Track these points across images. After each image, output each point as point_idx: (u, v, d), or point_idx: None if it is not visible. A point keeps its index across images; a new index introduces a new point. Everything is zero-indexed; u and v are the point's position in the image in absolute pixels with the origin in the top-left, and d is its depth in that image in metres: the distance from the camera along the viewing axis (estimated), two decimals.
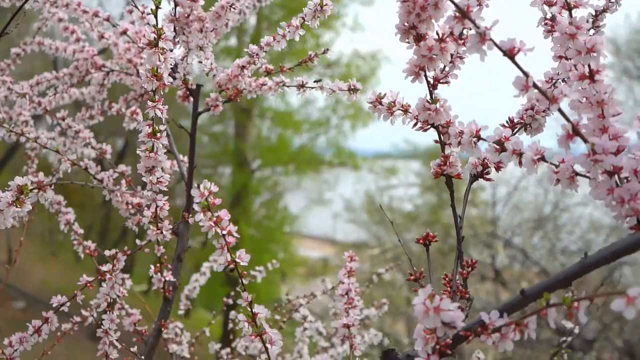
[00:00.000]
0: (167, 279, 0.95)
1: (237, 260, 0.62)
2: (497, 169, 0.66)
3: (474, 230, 6.84)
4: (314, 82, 0.90)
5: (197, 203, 0.60)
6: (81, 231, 1.09)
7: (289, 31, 0.87)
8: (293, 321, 1.45)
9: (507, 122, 0.68)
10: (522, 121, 0.67)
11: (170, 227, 0.89)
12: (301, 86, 0.93)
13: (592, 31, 0.72)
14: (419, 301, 0.49)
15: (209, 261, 1.43)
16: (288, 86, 0.95)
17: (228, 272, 0.63)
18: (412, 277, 0.60)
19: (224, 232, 0.61)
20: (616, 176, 0.52)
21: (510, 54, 0.49)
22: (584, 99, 0.53)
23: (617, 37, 8.44)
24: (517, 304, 0.51)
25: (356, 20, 10.50)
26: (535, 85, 0.50)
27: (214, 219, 0.61)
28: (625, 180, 0.51)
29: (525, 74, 0.50)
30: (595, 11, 0.72)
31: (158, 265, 0.95)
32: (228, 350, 1.32)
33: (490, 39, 0.49)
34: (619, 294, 0.40)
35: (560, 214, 6.99)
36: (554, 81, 0.68)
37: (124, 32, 1.03)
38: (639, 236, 0.48)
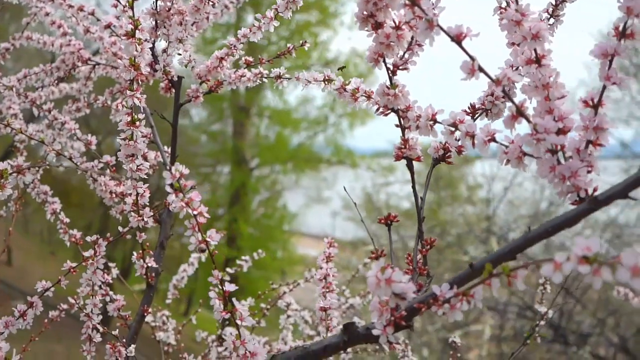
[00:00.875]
0: (149, 265, 0.98)
1: (208, 239, 0.65)
2: (459, 152, 0.69)
3: (470, 227, 6.88)
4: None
5: (169, 185, 0.63)
6: (67, 220, 1.11)
7: (263, 22, 0.90)
8: (281, 311, 1.47)
9: (468, 107, 0.70)
10: (482, 107, 0.70)
11: (152, 214, 0.92)
12: (278, 77, 0.96)
13: (552, 20, 0.75)
14: (372, 274, 0.52)
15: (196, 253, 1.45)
16: (267, 77, 0.98)
17: (199, 251, 0.66)
18: (373, 256, 0.62)
19: (195, 212, 0.64)
20: (561, 154, 0.55)
21: (457, 39, 0.52)
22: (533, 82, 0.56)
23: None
24: (466, 277, 0.54)
25: (354, 18, 10.49)
26: (480, 69, 0.52)
27: (186, 200, 0.64)
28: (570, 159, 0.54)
29: (472, 58, 0.52)
30: (556, 0, 0.75)
31: (140, 252, 0.98)
32: (214, 337, 1.35)
33: (438, 25, 0.52)
34: (549, 261, 0.43)
35: (556, 209, 7.02)
36: (514, 68, 0.71)
37: (108, 26, 1.06)
38: (578, 210, 0.51)
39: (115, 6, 1.09)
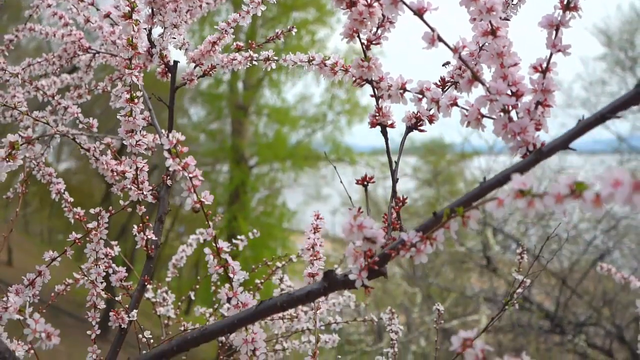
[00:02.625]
0: (149, 237, 1.05)
1: (203, 199, 0.72)
2: (430, 121, 0.75)
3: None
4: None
5: (166, 150, 0.70)
6: (71, 199, 1.18)
7: (251, 7, 0.97)
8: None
9: (439, 80, 0.77)
10: (452, 79, 0.77)
11: (150, 187, 0.99)
12: (267, 59, 1.02)
13: (515, 0, 0.81)
14: (346, 221, 0.59)
15: (196, 234, 1.53)
16: (257, 60, 1.05)
17: (194, 211, 0.73)
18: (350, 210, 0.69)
19: (191, 175, 0.71)
20: (515, 114, 0.62)
21: (419, 12, 0.59)
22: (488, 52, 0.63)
23: (609, 29, 8.54)
24: (430, 224, 0.61)
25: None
26: (439, 38, 0.59)
27: (182, 164, 0.70)
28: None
29: (432, 29, 0.59)
30: None
31: (141, 225, 1.04)
32: (211, 310, 1.42)
33: (402, 1, 0.59)
34: (492, 200, 0.50)
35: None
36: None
37: (107, 15, 1.12)
38: (526, 161, 0.58)
39: None
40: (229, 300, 0.72)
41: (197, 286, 1.51)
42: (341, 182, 1.03)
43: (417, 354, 5.70)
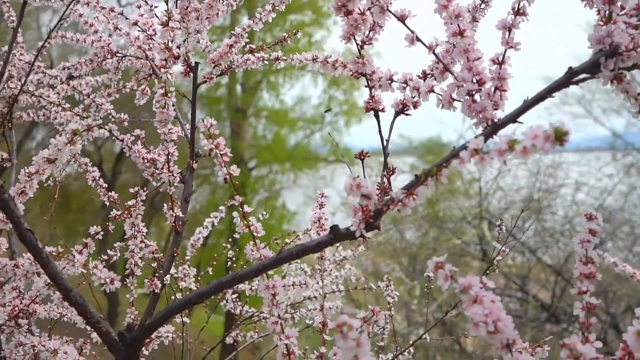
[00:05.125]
0: (177, 215, 1.22)
1: (231, 172, 0.88)
2: (414, 106, 0.92)
3: (464, 215, 7.14)
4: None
5: (202, 132, 0.86)
6: (105, 185, 1.35)
7: (264, 15, 1.14)
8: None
9: (421, 73, 0.94)
10: (431, 72, 0.93)
11: (179, 171, 1.16)
12: (277, 59, 1.20)
13: (483, 5, 0.98)
14: (347, 181, 0.76)
15: (211, 216, 1.70)
16: (268, 60, 1.22)
17: (225, 183, 0.89)
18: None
19: (222, 152, 0.88)
20: (479, 97, 0.78)
21: (402, 19, 0.76)
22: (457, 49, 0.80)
23: None
24: (413, 184, 0.78)
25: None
26: (418, 39, 0.76)
27: (215, 143, 0.87)
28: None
29: (412, 32, 0.76)
30: None
31: (170, 204, 1.21)
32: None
33: (388, 10, 0.76)
34: (456, 158, 0.66)
35: (547, 196, 7.28)
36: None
37: (135, 23, 1.29)
38: (485, 132, 0.75)
39: (139, 7, 1.32)
40: (252, 254, 0.89)
41: (215, 262, 1.68)
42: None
43: (416, 345, 5.86)
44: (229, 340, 1.66)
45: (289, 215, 12.19)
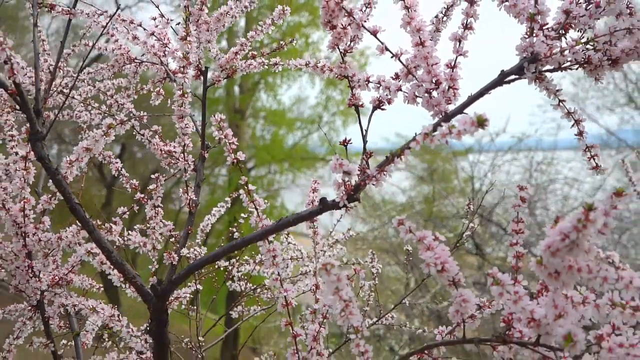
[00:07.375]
0: (191, 197, 1.42)
1: (238, 157, 1.09)
2: (389, 102, 1.13)
3: (457, 211, 7.36)
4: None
5: (213, 125, 1.07)
6: (127, 175, 1.55)
7: (265, 27, 1.35)
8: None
9: (394, 74, 1.14)
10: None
11: (194, 159, 1.36)
12: (276, 64, 1.40)
13: (445, 18, 1.19)
14: (332, 160, 0.96)
15: (217, 206, 1.90)
16: (268, 65, 1.42)
17: (232, 165, 1.10)
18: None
19: (230, 141, 1.08)
20: (435, 94, 0.99)
21: (374, 33, 0.96)
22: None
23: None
24: (385, 162, 0.98)
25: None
26: (386, 48, 0.96)
27: (224, 133, 1.08)
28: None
29: (382, 43, 0.97)
30: (447, 5, 1.19)
31: (185, 188, 1.41)
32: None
33: (363, 26, 0.96)
34: (414, 141, 0.87)
35: (540, 191, 7.50)
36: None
37: (152, 34, 1.50)
38: (439, 120, 0.95)
39: (154, 19, 1.53)
40: (256, 223, 1.10)
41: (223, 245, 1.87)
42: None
43: (413, 338, 6.08)
44: (234, 314, 1.87)
45: (288, 215, 12.31)
